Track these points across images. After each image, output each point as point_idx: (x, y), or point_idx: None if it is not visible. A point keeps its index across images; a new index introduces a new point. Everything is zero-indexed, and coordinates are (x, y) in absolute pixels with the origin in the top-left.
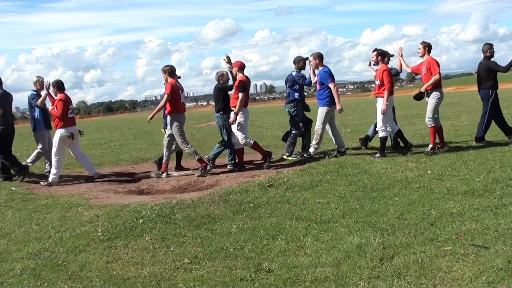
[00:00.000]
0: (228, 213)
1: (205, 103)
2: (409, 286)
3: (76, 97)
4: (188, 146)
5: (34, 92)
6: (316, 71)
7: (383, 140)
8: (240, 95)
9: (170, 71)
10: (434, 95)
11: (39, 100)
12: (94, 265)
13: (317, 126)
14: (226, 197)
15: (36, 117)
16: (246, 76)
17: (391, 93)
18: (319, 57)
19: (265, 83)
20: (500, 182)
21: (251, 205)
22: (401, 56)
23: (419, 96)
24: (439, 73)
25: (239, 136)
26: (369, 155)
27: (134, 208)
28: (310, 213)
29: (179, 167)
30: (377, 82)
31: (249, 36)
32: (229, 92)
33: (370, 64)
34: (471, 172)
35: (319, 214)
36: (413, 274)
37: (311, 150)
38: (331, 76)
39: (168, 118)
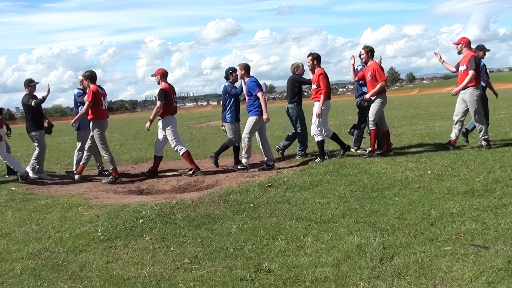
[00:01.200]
0: (228, 213)
1: (205, 103)
2: (409, 286)
3: None
4: (108, 153)
5: (81, 91)
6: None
7: (320, 144)
8: (158, 103)
9: (91, 77)
10: (378, 100)
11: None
12: (94, 265)
13: (244, 134)
14: (226, 197)
15: None
16: (170, 84)
17: (327, 97)
18: (245, 68)
19: (265, 83)
20: (500, 182)
21: (251, 205)
22: (353, 64)
23: (363, 105)
24: (385, 80)
25: (170, 143)
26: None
27: (134, 208)
28: (310, 213)
29: (237, 162)
30: (314, 86)
31: (250, 36)
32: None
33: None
34: (471, 172)
35: (319, 214)
36: (413, 274)
37: (244, 161)
38: (258, 86)
39: (91, 123)
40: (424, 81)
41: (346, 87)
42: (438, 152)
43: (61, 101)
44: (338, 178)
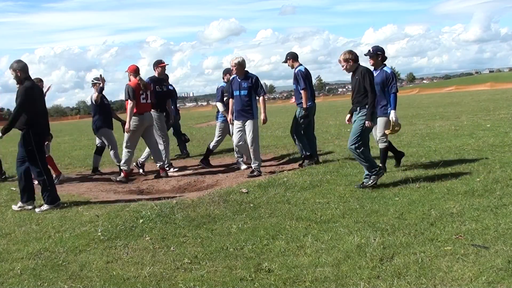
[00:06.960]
0: (228, 213)
1: (205, 103)
2: (409, 286)
3: (77, 96)
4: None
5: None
6: None
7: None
8: None
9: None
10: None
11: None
12: (94, 265)
13: None
14: (226, 197)
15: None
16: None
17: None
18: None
19: (265, 83)
20: (500, 182)
21: (251, 205)
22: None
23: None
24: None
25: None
26: None
27: (134, 208)
28: (310, 213)
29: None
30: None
31: (252, 36)
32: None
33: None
34: (471, 172)
35: (319, 214)
36: (413, 274)
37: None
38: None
39: None
40: (424, 81)
41: (346, 87)
42: (438, 152)
43: (61, 101)
44: (338, 178)
